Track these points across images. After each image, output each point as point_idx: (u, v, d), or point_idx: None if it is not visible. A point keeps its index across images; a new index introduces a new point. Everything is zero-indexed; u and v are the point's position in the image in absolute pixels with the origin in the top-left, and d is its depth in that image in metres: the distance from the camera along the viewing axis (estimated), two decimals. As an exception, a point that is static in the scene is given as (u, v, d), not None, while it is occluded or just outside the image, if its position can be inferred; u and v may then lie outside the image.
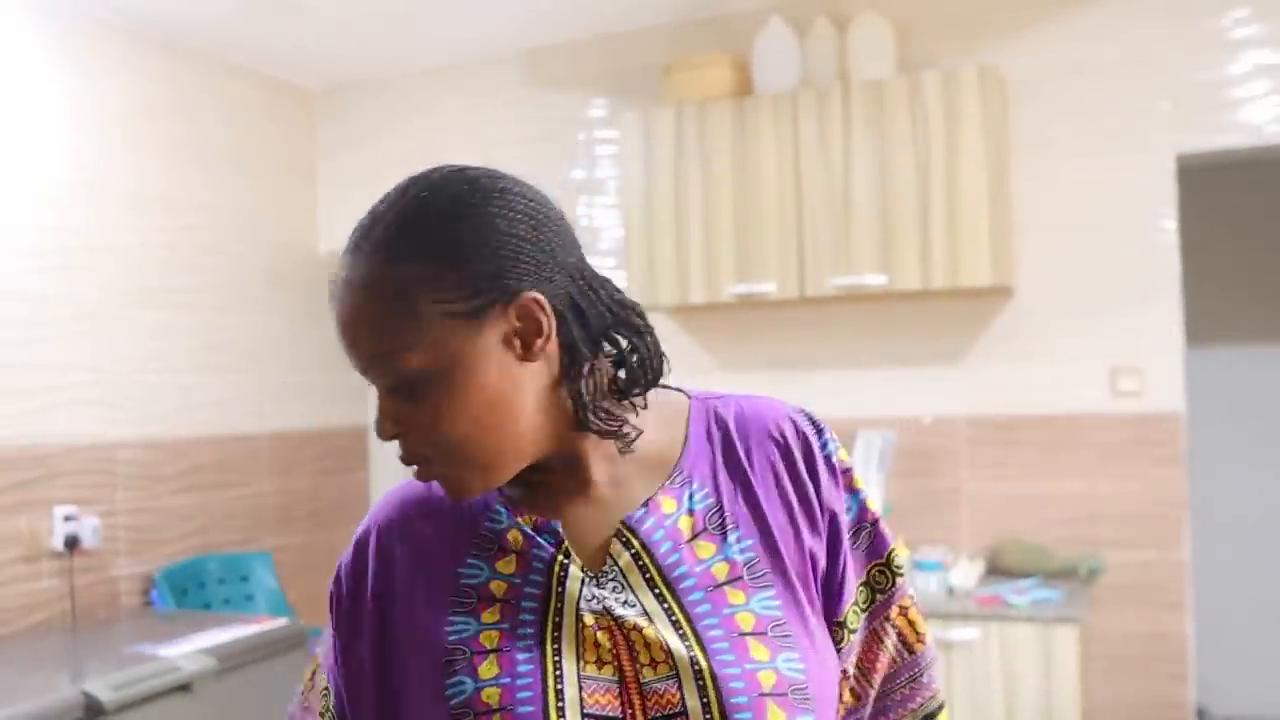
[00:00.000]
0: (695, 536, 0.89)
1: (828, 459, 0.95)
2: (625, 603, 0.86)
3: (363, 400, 4.45)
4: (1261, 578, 4.48)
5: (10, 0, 3.13)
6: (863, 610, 0.95)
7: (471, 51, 3.97)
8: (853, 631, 0.94)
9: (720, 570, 0.88)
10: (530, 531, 0.90)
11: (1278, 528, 4.48)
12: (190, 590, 3.48)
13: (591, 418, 0.88)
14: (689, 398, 0.97)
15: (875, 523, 0.97)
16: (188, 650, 2.67)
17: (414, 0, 3.45)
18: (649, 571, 0.88)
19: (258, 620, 3.01)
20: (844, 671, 0.95)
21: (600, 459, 0.91)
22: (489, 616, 0.88)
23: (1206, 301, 4.09)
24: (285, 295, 4.06)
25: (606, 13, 3.66)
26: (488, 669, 0.86)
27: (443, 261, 0.83)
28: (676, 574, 0.88)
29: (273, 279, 4.01)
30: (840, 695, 0.94)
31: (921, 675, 0.99)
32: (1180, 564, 3.12)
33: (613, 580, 0.88)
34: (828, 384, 3.51)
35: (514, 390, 0.85)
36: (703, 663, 0.84)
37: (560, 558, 0.88)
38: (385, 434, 0.86)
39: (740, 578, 0.88)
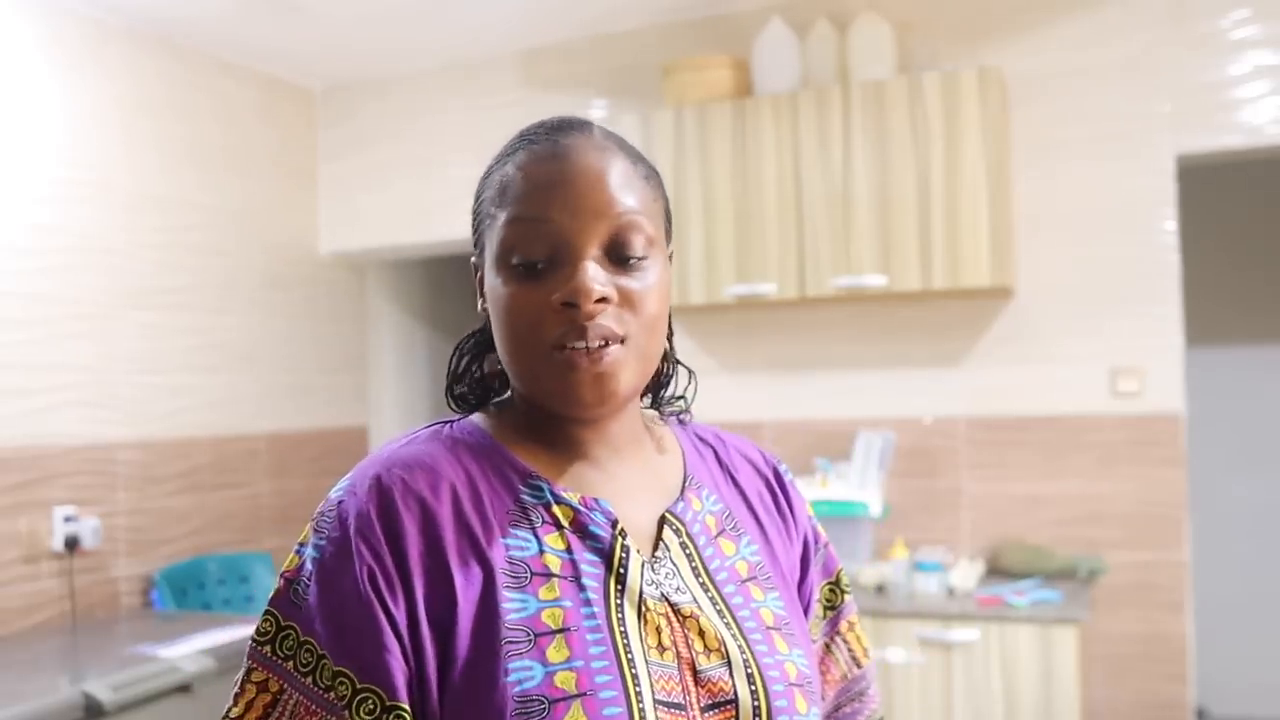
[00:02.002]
0: (719, 534, 0.93)
1: (793, 485, 1.03)
2: (677, 589, 0.87)
3: (361, 401, 4.45)
4: (1261, 578, 4.48)
5: None
6: (818, 624, 1.02)
7: (471, 52, 3.97)
8: (813, 642, 1.00)
9: (742, 568, 0.92)
10: (581, 507, 0.86)
11: (1277, 528, 4.48)
12: (190, 591, 3.48)
13: (676, 363, 1.00)
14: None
15: (827, 545, 1.04)
16: (188, 651, 2.67)
17: (413, 0, 3.45)
18: (694, 561, 0.89)
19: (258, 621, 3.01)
20: None
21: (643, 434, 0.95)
22: (547, 593, 0.82)
23: (1206, 301, 4.09)
24: (283, 296, 4.06)
25: (606, 13, 3.66)
26: (556, 651, 0.79)
27: (656, 174, 0.93)
28: (714, 566, 0.90)
29: (270, 279, 4.01)
30: None
31: (868, 689, 1.04)
32: (1180, 564, 3.12)
33: (665, 567, 0.87)
34: (828, 384, 3.51)
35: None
36: (748, 652, 0.85)
37: (620, 538, 0.86)
38: (595, 296, 0.82)
39: (755, 578, 0.92)
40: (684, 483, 0.94)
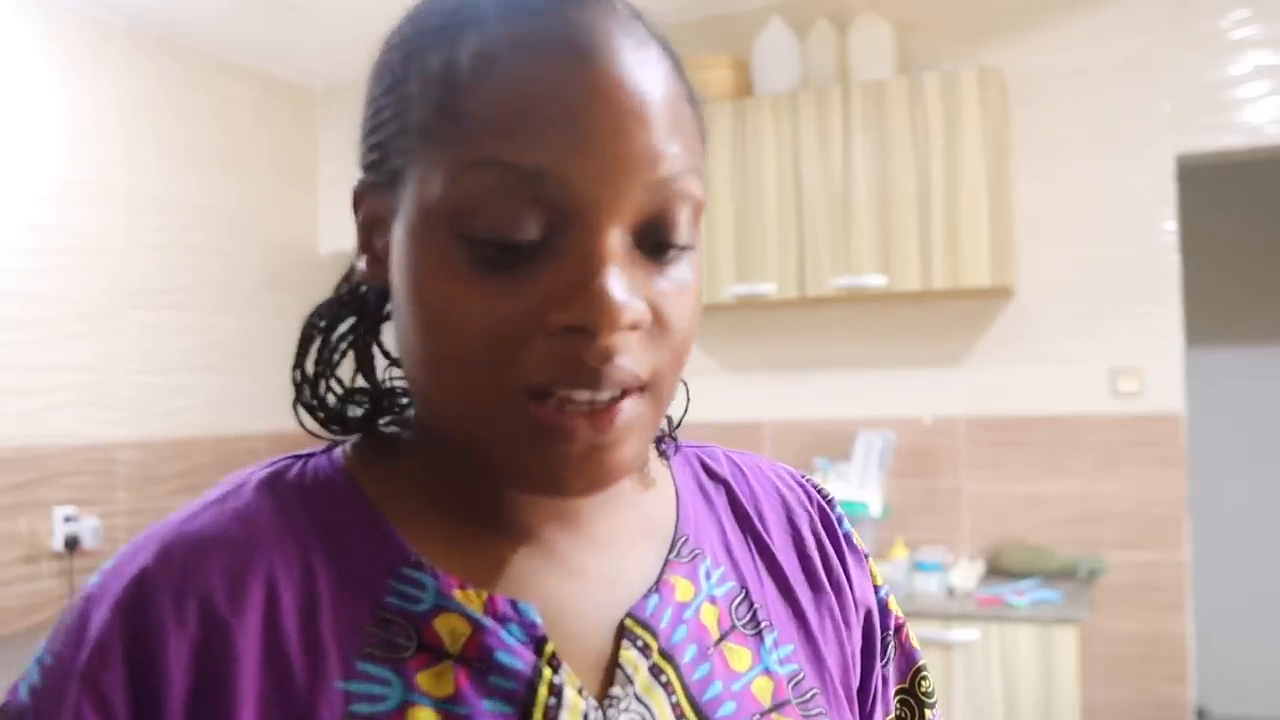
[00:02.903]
0: (724, 637, 0.59)
1: (848, 539, 0.68)
2: None
3: (362, 400, 4.45)
4: (1261, 578, 4.48)
5: None
6: None
7: (471, 52, 3.96)
8: None
9: (763, 689, 0.58)
10: (484, 619, 0.52)
11: (1278, 528, 4.49)
12: (190, 591, 3.48)
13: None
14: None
15: (900, 629, 0.69)
16: (187, 651, 2.67)
17: (413, 1, 3.45)
18: (675, 694, 0.55)
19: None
20: None
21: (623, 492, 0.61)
22: None
23: (1206, 301, 4.09)
24: (282, 295, 4.06)
25: (606, 13, 3.65)
26: None
27: (697, 94, 0.56)
28: (709, 696, 0.56)
29: (270, 279, 4.01)
30: None
31: None
32: (1180, 564, 3.12)
33: (627, 711, 0.53)
34: (828, 384, 3.51)
35: None
36: None
37: (547, 672, 0.52)
38: (626, 320, 0.48)
39: (788, 701, 0.59)
40: (670, 550, 0.60)
